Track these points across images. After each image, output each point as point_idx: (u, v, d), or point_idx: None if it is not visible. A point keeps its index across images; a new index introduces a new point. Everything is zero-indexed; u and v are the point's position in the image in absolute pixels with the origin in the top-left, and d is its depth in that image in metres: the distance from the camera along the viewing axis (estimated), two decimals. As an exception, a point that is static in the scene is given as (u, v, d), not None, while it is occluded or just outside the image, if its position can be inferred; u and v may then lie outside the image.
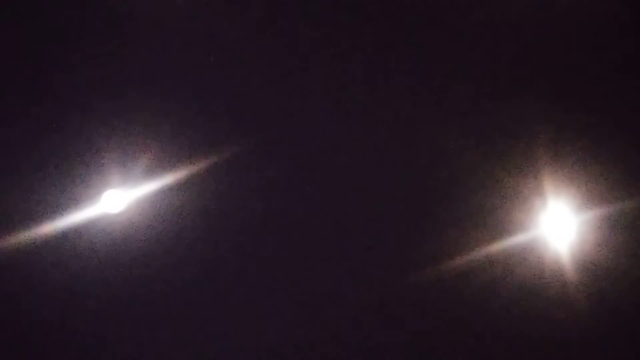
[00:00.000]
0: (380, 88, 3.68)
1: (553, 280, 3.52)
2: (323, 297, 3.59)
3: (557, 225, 3.55)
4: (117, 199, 3.59)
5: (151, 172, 3.60)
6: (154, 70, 3.69)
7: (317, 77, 3.69)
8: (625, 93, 3.67)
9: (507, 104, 3.67)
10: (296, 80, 3.69)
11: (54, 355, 3.54)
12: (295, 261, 3.61)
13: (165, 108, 3.65)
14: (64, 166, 3.59)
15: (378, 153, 3.65)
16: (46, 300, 3.53)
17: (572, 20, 3.70)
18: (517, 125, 3.64)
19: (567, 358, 3.53)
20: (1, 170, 3.60)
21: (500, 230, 3.56)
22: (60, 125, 3.63)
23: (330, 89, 3.69)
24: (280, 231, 3.63)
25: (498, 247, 3.54)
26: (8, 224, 3.53)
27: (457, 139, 3.64)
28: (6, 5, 3.67)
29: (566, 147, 3.59)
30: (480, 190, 3.59)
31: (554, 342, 3.52)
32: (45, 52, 3.67)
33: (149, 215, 3.59)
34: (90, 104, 3.63)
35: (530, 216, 3.56)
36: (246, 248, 3.62)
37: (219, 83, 3.68)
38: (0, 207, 3.56)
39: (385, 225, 3.62)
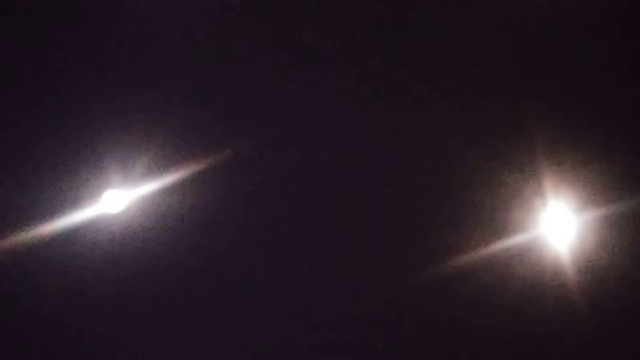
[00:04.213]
0: (379, 88, 3.68)
1: (553, 280, 3.52)
2: (323, 297, 3.59)
3: (557, 225, 3.55)
4: (117, 199, 3.59)
5: (151, 172, 3.60)
6: (154, 70, 3.69)
7: (317, 78, 3.69)
8: (626, 93, 3.67)
9: (507, 104, 3.67)
10: (296, 80, 3.69)
11: (54, 355, 3.54)
12: (295, 261, 3.61)
13: (165, 108, 3.65)
14: (64, 166, 3.60)
15: (377, 153, 3.65)
16: (46, 300, 3.53)
17: (572, 20, 3.70)
18: (517, 125, 3.64)
19: (567, 358, 3.53)
20: (1, 170, 3.60)
21: (500, 230, 3.56)
22: (61, 125, 3.63)
23: (330, 89, 3.69)
24: (280, 231, 3.63)
25: (498, 247, 3.54)
26: (8, 224, 3.53)
27: (456, 138, 3.64)
28: (6, 5, 3.67)
29: (566, 147, 3.59)
30: (480, 190, 3.59)
31: (554, 342, 3.52)
32: (45, 52, 3.67)
33: (149, 215, 3.59)
34: (90, 104, 3.63)
35: (530, 216, 3.56)
36: (246, 248, 3.62)
37: (219, 83, 3.68)
38: (0, 207, 3.56)
39: (384, 225, 3.62)
